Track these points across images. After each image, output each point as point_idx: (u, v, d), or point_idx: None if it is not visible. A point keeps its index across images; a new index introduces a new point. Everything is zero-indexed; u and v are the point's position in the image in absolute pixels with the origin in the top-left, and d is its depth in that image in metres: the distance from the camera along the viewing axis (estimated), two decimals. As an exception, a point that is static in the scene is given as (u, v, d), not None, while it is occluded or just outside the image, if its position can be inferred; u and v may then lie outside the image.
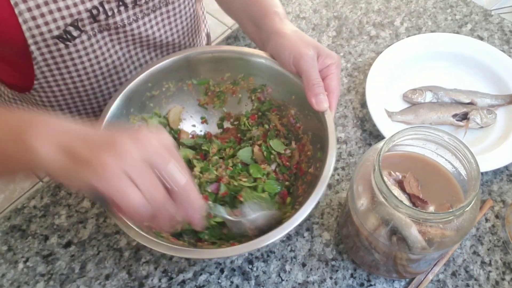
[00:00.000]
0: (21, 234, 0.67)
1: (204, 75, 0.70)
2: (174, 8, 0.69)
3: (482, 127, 0.75)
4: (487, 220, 0.67)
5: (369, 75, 0.78)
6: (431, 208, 0.51)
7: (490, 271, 0.63)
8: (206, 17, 0.91)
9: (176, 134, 0.71)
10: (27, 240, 0.66)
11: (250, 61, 0.67)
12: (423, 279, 0.62)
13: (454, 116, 0.75)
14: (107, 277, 0.63)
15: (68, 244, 0.65)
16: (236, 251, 0.52)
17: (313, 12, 0.93)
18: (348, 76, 0.83)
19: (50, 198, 0.70)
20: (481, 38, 0.87)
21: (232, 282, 0.62)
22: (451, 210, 0.46)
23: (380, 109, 0.75)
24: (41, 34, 0.59)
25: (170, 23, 0.71)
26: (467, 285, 0.62)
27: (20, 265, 0.64)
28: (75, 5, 0.59)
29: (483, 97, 0.77)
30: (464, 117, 0.75)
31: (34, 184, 1.75)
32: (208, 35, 0.94)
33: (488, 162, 0.69)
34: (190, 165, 0.67)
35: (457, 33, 0.88)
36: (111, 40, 0.67)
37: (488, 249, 0.64)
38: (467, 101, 0.77)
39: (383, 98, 0.77)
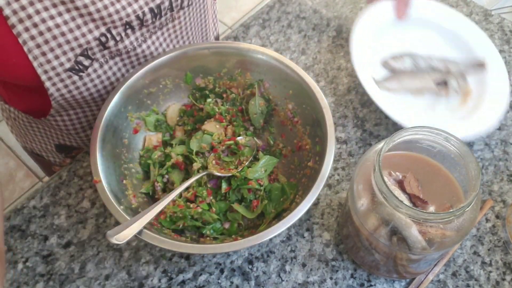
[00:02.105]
0: (21, 234, 0.67)
1: (202, 70, 0.70)
2: (180, 22, 0.68)
3: (458, 94, 0.75)
4: (487, 220, 0.67)
5: (353, 39, 0.77)
6: (432, 208, 0.51)
7: (490, 271, 0.63)
8: (217, 20, 0.91)
9: (171, 130, 0.72)
10: (26, 240, 0.66)
11: (247, 57, 0.68)
12: (424, 280, 0.62)
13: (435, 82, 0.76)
14: (107, 277, 0.63)
15: (67, 244, 0.65)
16: (241, 245, 0.53)
17: (313, 12, 0.93)
18: (348, 76, 0.83)
19: (50, 198, 0.70)
20: (481, 38, 0.87)
21: (232, 283, 0.62)
22: (451, 210, 0.45)
23: (368, 77, 0.74)
24: (53, 68, 0.59)
25: (177, 36, 0.70)
26: (468, 285, 0.62)
27: (20, 265, 0.64)
28: (83, 35, 0.58)
29: (455, 63, 0.78)
30: (443, 84, 0.75)
31: (34, 184, 1.75)
32: (217, 39, 0.94)
33: (467, 129, 0.70)
34: (187, 161, 0.67)
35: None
36: (124, 65, 0.67)
37: (489, 249, 0.64)
38: (442, 67, 0.77)
39: (369, 66, 0.77)
